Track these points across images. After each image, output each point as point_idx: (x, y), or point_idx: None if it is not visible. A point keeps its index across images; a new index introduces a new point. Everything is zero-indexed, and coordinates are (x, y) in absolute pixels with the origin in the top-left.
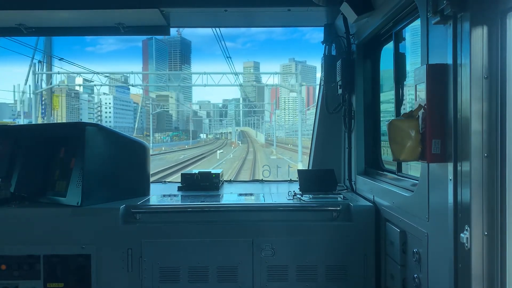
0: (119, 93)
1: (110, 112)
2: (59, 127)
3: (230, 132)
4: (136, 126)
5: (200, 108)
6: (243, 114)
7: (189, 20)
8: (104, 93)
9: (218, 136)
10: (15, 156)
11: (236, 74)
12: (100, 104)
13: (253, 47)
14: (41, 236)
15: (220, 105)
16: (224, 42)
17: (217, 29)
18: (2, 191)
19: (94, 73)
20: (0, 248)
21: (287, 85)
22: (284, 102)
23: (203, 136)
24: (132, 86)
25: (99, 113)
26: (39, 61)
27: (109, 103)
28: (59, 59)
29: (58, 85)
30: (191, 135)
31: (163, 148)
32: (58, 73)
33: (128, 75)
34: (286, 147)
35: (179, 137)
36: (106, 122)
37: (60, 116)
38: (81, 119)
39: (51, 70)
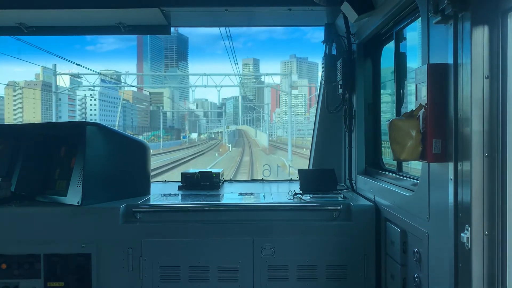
0: (106, 89)
1: (95, 110)
2: (60, 127)
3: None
4: (117, 123)
5: (197, 107)
6: (242, 110)
7: (189, 20)
8: (90, 88)
9: (213, 135)
10: (15, 155)
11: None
12: (85, 100)
13: (254, 46)
14: (42, 235)
15: (218, 104)
16: (230, 42)
17: (222, 28)
18: (3, 190)
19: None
20: (1, 247)
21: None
22: (285, 100)
23: (194, 135)
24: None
25: (83, 110)
26: None
27: (94, 99)
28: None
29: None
30: (161, 135)
31: None
32: None
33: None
34: (299, 153)
35: (161, 137)
36: (91, 120)
37: (33, 112)
38: (60, 117)
39: None
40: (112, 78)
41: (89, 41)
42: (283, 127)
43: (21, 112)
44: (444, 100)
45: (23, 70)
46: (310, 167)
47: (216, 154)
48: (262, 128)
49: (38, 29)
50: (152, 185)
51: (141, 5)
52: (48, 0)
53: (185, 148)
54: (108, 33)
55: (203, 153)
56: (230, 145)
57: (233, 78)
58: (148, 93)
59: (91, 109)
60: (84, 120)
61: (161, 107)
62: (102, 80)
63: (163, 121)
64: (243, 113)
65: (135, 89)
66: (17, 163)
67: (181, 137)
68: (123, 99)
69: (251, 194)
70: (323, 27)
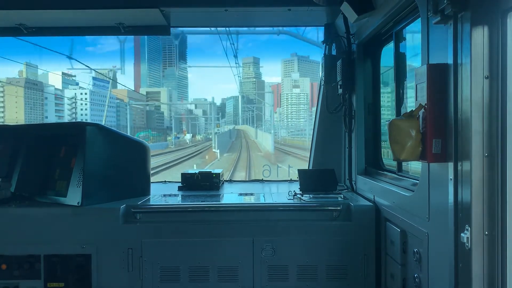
0: (98, 88)
1: (86, 109)
2: (60, 127)
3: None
4: (103, 122)
5: (196, 107)
6: (242, 107)
7: (189, 20)
8: (81, 87)
9: (210, 136)
10: (15, 156)
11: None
12: (75, 99)
13: (254, 46)
14: (42, 236)
15: (218, 104)
16: (231, 39)
17: (221, 28)
18: (3, 191)
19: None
20: (1, 247)
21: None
22: (287, 99)
23: (188, 136)
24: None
25: (73, 110)
26: None
27: (85, 99)
28: None
29: None
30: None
31: None
32: None
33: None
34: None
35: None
36: (81, 120)
37: (16, 112)
38: (46, 117)
39: None
40: (106, 77)
41: (90, 42)
42: (287, 126)
43: (2, 112)
44: (444, 100)
45: (4, 68)
46: (310, 167)
47: (195, 166)
48: (264, 127)
49: (38, 30)
50: (152, 185)
51: (140, 5)
52: (48, 0)
53: (166, 153)
54: (108, 33)
55: (180, 162)
56: (218, 151)
57: (232, 77)
58: (144, 93)
59: (81, 109)
60: (74, 120)
61: (129, 100)
62: (95, 79)
63: (158, 121)
64: (243, 111)
65: (132, 87)
66: (17, 163)
67: (172, 137)
68: (117, 99)
69: (251, 194)
70: (323, 28)
